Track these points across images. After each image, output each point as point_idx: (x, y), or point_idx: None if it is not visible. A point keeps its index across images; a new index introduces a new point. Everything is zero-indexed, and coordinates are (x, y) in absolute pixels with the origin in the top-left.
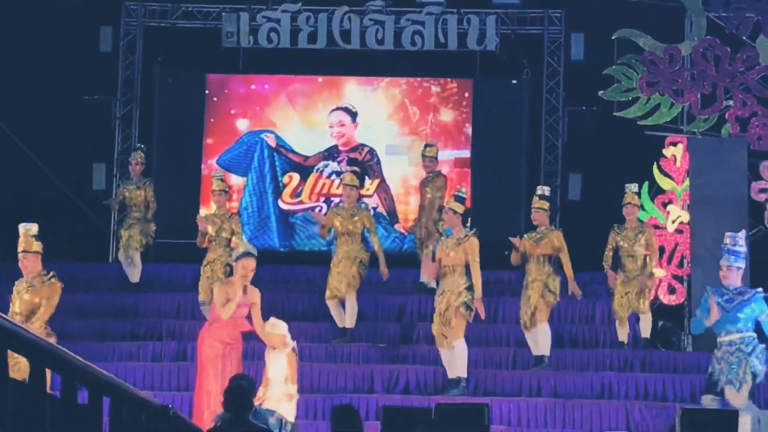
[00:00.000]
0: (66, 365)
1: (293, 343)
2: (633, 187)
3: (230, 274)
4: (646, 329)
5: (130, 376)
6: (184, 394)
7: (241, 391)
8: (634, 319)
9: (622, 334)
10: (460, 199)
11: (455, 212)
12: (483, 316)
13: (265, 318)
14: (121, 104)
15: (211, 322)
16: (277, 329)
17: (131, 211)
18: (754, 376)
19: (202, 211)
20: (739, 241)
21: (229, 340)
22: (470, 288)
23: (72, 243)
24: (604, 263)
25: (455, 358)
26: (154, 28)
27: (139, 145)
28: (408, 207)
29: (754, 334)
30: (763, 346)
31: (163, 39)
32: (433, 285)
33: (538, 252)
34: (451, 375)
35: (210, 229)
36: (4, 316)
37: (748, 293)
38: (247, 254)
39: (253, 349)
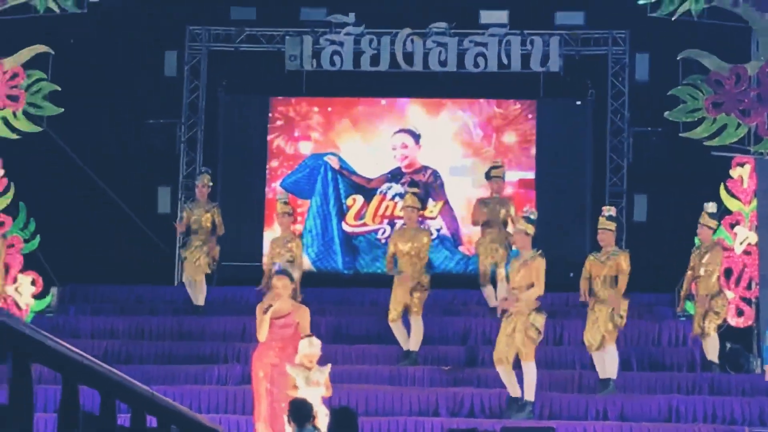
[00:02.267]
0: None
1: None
2: (709, 207)
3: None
4: (713, 352)
5: (195, 399)
6: (248, 417)
7: (303, 406)
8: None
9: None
10: (530, 221)
11: (527, 233)
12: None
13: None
14: (186, 128)
15: (259, 345)
16: (313, 349)
17: (197, 234)
18: None
19: (267, 234)
20: None
21: (276, 360)
22: (539, 310)
23: (137, 266)
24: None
25: (525, 381)
26: (218, 52)
27: (205, 168)
28: (472, 228)
29: None
30: None
31: (227, 63)
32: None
33: (605, 273)
34: (525, 396)
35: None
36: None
37: None
38: (278, 272)
39: None
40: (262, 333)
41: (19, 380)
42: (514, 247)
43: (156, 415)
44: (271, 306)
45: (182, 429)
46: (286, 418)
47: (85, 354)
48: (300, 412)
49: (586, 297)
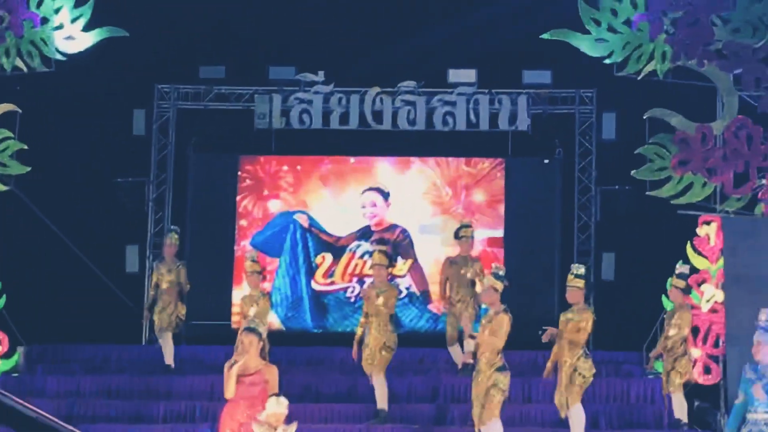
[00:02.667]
0: None
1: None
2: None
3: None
4: (680, 410)
5: None
6: None
7: None
8: (670, 400)
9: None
10: (498, 277)
11: (495, 290)
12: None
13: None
14: (154, 186)
15: (228, 403)
16: (280, 408)
17: (163, 293)
18: None
19: (236, 292)
20: None
21: (243, 419)
22: (501, 368)
23: (105, 325)
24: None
25: None
26: (187, 110)
27: (173, 227)
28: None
29: None
30: None
31: (196, 121)
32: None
33: (570, 329)
34: None
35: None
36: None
37: None
38: (245, 329)
39: None
40: (230, 390)
41: None
42: (483, 305)
43: None
44: (236, 362)
45: None
46: None
47: (49, 415)
48: None
49: (549, 370)
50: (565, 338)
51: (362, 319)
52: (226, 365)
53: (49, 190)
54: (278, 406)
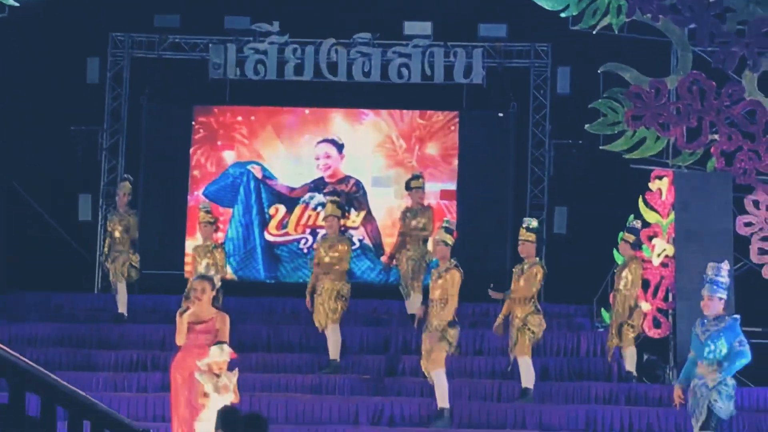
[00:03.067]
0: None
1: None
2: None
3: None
4: (631, 363)
5: (114, 406)
6: (168, 425)
7: (232, 413)
8: (619, 353)
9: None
10: (449, 231)
11: (446, 244)
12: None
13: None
14: (108, 135)
15: (179, 351)
16: (223, 356)
17: (116, 242)
18: (711, 412)
19: (189, 242)
20: (721, 271)
21: (194, 367)
22: (452, 323)
23: (58, 274)
24: None
25: (436, 390)
26: (141, 59)
27: (126, 175)
28: (394, 239)
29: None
30: (732, 381)
31: (150, 70)
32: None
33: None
34: (438, 404)
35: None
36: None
37: (723, 321)
38: (198, 277)
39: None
40: (181, 337)
41: None
42: (434, 258)
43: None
44: (188, 309)
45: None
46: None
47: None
48: (229, 419)
49: (499, 326)
50: (515, 292)
51: (315, 270)
52: (178, 313)
53: (2, 137)
54: (222, 355)
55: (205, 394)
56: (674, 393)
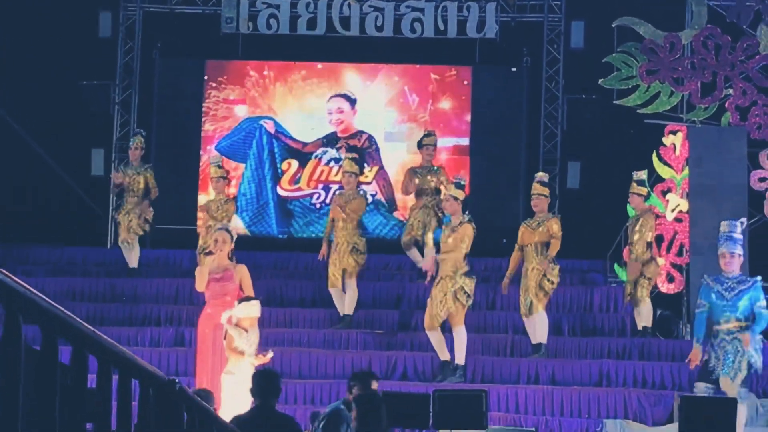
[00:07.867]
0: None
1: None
2: (637, 175)
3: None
4: (646, 317)
5: None
6: (182, 379)
7: (270, 377)
8: (632, 308)
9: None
10: (460, 186)
11: (456, 199)
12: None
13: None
14: (120, 89)
15: (205, 306)
16: (253, 311)
17: (129, 196)
18: (750, 366)
19: (201, 197)
20: (737, 228)
21: (218, 318)
22: (468, 274)
23: (70, 228)
24: None
25: (455, 345)
26: (153, 13)
27: (139, 130)
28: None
29: (752, 327)
30: (760, 336)
31: (162, 24)
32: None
33: (536, 239)
34: (456, 360)
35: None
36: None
37: (747, 282)
38: (219, 228)
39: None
40: (201, 283)
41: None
42: (446, 214)
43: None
44: (211, 253)
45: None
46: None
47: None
48: (271, 383)
49: (506, 285)
50: (532, 244)
51: (329, 224)
52: (200, 255)
53: (14, 92)
54: (251, 310)
55: (235, 348)
56: (694, 355)
